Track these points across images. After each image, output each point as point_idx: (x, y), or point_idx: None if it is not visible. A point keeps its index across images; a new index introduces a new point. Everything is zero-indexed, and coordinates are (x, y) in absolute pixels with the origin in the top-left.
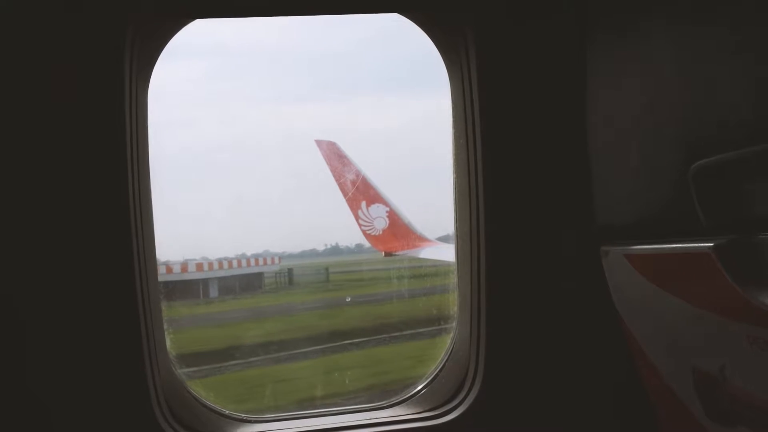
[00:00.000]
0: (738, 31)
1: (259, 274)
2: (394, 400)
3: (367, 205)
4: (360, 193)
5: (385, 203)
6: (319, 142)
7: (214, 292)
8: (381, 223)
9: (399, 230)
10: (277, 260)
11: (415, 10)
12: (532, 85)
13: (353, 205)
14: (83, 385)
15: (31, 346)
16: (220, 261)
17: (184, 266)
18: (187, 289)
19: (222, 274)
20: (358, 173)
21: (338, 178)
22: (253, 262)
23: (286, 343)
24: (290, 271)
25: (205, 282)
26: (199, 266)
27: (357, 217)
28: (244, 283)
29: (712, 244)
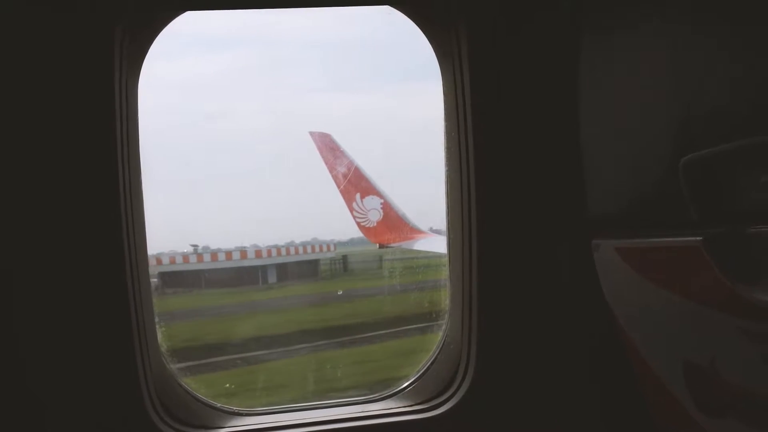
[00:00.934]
0: (728, 25)
1: (314, 261)
2: (386, 393)
3: (362, 197)
4: (353, 185)
5: (379, 195)
6: (312, 134)
7: (272, 278)
8: (375, 215)
9: (393, 222)
10: (326, 247)
11: (408, 3)
12: (524, 78)
13: (347, 197)
14: (74, 380)
15: (22, 340)
16: (274, 248)
17: (244, 253)
18: (247, 275)
19: (280, 260)
20: (351, 165)
21: (332, 170)
22: (302, 249)
23: (352, 328)
24: (345, 258)
25: (264, 269)
26: (258, 253)
27: (351, 209)
28: (299, 270)
29: (702, 238)
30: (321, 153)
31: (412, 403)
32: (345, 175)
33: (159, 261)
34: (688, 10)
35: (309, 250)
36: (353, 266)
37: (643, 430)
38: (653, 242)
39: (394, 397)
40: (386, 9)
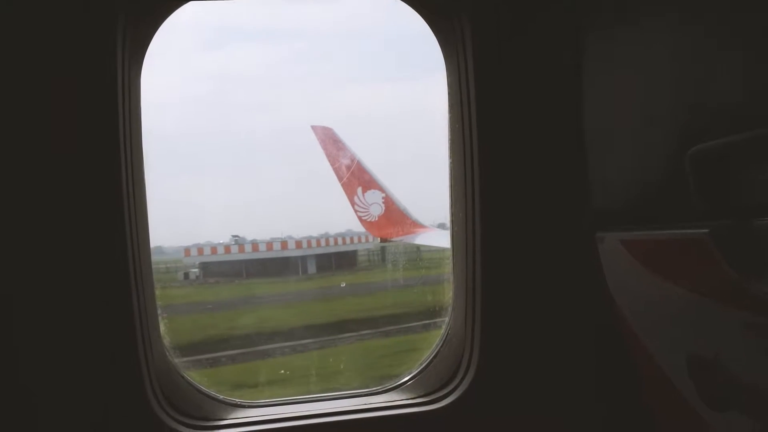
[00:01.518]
0: (732, 18)
1: (353, 252)
2: (389, 385)
3: (363, 191)
4: (355, 178)
5: (381, 189)
6: (314, 128)
7: (312, 268)
8: (377, 209)
9: (394, 216)
10: (365, 239)
11: None
12: (527, 70)
13: (349, 191)
14: (77, 372)
15: (25, 333)
16: (313, 239)
17: (284, 243)
18: (287, 266)
19: (319, 251)
20: (353, 159)
21: (333, 164)
22: (340, 240)
23: (400, 317)
24: (383, 249)
25: (303, 259)
26: (298, 244)
27: (353, 203)
28: (337, 260)
29: (708, 230)
30: (323, 147)
31: (415, 396)
32: (348, 167)
33: (200, 251)
34: (691, 4)
35: (346, 241)
36: (391, 257)
37: (645, 424)
38: (658, 235)
39: (397, 390)
40: (390, 0)
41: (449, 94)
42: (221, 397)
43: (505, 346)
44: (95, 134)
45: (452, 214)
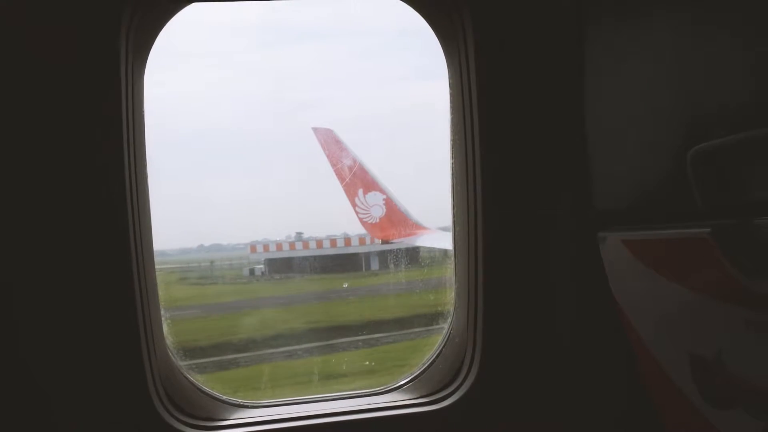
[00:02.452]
0: (737, 15)
1: (414, 249)
2: (391, 385)
3: (364, 193)
4: (357, 180)
5: (382, 191)
6: (315, 129)
7: (374, 265)
8: (378, 211)
9: (396, 218)
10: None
11: None
12: (529, 69)
13: (350, 193)
14: (81, 372)
15: (28, 331)
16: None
17: (348, 240)
18: (350, 262)
19: (384, 248)
20: (354, 161)
21: (335, 165)
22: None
23: None
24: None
25: (367, 255)
26: (362, 240)
27: (354, 205)
28: (398, 257)
29: (710, 229)
30: (324, 148)
31: (418, 396)
32: (350, 169)
33: (266, 248)
34: (696, 2)
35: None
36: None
37: (647, 423)
38: (660, 234)
39: (399, 390)
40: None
41: (450, 92)
42: (224, 397)
43: (507, 346)
44: (98, 134)
45: (454, 215)
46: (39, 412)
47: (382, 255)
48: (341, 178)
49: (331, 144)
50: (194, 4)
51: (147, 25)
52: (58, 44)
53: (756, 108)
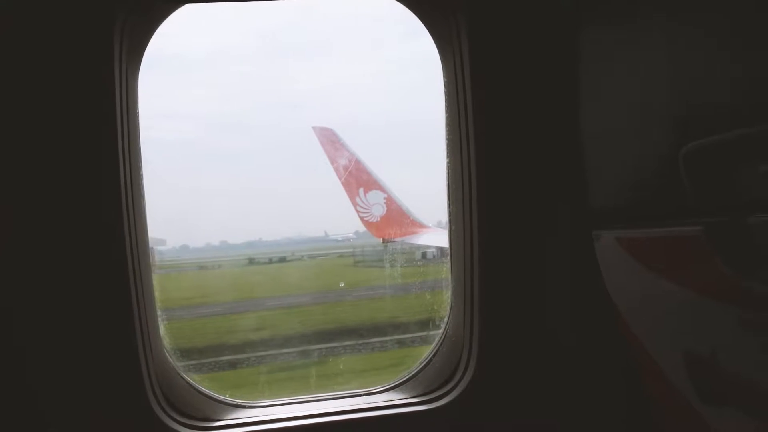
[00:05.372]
0: (730, 15)
1: None
2: (388, 385)
3: (365, 192)
4: (357, 179)
5: (382, 190)
6: (315, 129)
7: None
8: (378, 210)
9: (396, 217)
10: None
11: None
12: (524, 69)
13: (350, 192)
14: (77, 373)
15: (24, 335)
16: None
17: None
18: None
19: None
20: (354, 160)
21: (334, 164)
22: None
23: None
24: None
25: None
26: None
27: (355, 204)
28: None
29: (702, 227)
30: (324, 148)
31: (414, 395)
32: (346, 168)
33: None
34: (688, 3)
35: None
36: None
37: (643, 421)
38: (654, 232)
39: (396, 389)
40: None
41: (446, 91)
42: (221, 397)
43: (503, 344)
44: (93, 134)
45: (450, 213)
46: (35, 412)
47: None
48: (340, 177)
49: (330, 144)
50: (188, 5)
51: (141, 26)
52: (52, 45)
53: (748, 106)
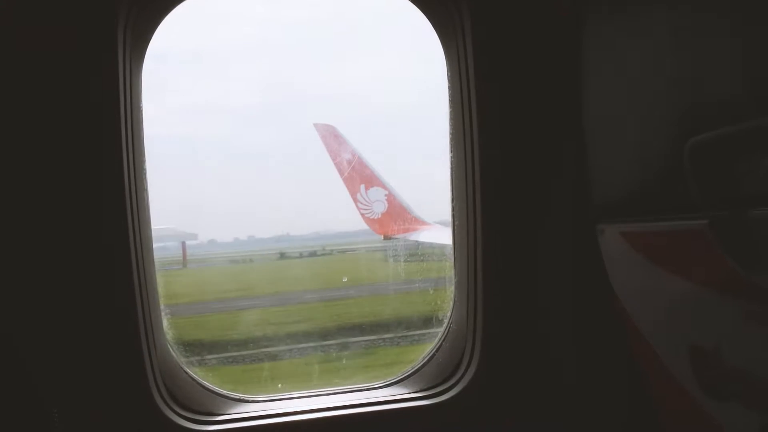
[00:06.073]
0: (734, 6)
1: None
2: (390, 379)
3: (366, 189)
4: (359, 176)
5: (384, 186)
6: (317, 126)
7: None
8: (380, 207)
9: (397, 213)
10: None
11: None
12: (528, 64)
13: (351, 189)
14: (80, 369)
15: (27, 328)
16: None
17: None
18: None
19: None
20: (355, 156)
21: (335, 161)
22: None
23: None
24: None
25: None
26: None
27: (356, 201)
28: None
29: (707, 221)
30: (325, 144)
31: (417, 390)
32: (350, 163)
33: None
34: None
35: None
36: None
37: (646, 415)
38: (658, 226)
39: (398, 384)
40: None
41: (449, 86)
42: (224, 392)
43: (506, 339)
44: (96, 130)
45: (453, 208)
46: (38, 408)
47: None
48: (342, 173)
49: (332, 140)
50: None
51: (145, 20)
52: (55, 40)
53: (752, 99)
